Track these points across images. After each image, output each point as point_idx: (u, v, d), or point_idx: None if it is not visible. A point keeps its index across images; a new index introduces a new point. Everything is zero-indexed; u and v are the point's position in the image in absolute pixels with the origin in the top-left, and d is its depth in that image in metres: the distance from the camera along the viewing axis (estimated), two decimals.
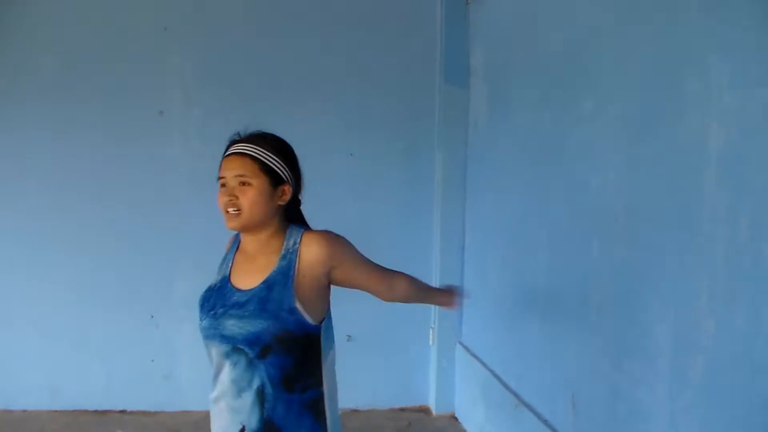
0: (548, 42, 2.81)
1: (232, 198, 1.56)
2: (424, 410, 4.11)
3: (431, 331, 4.13)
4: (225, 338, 1.55)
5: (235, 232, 1.72)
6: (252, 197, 1.55)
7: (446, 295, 2.03)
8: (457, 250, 4.03)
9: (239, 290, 1.59)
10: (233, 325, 1.53)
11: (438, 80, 4.00)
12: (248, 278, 1.59)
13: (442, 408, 4.04)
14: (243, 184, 1.56)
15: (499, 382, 3.31)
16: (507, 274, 3.38)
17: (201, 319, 1.62)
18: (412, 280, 1.81)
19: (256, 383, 1.53)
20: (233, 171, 1.56)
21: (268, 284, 1.55)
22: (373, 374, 4.07)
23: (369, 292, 1.73)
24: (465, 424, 3.85)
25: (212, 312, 1.59)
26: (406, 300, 1.82)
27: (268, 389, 1.53)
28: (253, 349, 1.52)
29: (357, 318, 3.85)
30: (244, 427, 1.54)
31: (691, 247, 1.74)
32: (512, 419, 3.08)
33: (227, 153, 1.61)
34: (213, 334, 1.57)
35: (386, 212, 4.08)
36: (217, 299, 1.60)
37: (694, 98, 1.73)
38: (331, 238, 1.62)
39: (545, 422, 2.72)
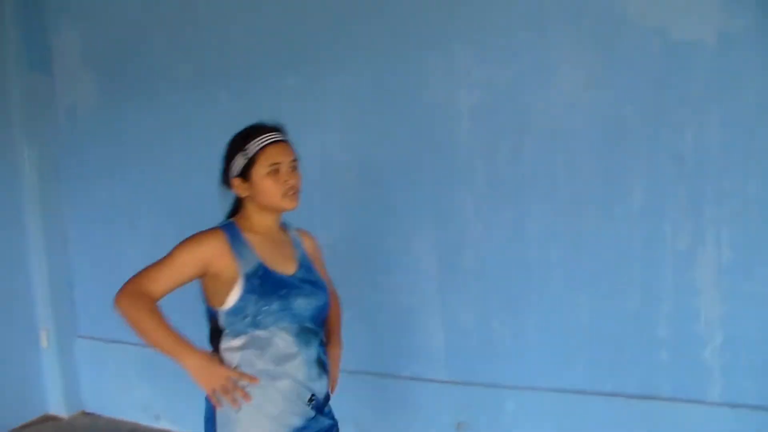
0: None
1: (294, 180, 1.68)
2: (51, 418, 3.85)
3: (43, 333, 3.88)
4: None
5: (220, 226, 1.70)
6: (300, 179, 1.71)
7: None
8: (61, 243, 3.90)
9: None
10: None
11: (14, 67, 3.73)
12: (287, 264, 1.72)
13: (73, 408, 3.86)
14: (294, 168, 1.70)
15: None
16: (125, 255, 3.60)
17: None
18: None
19: None
20: (289, 156, 1.68)
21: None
22: None
23: None
24: (114, 414, 3.82)
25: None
26: None
27: None
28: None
29: None
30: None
31: (451, 176, 2.59)
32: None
33: (273, 140, 1.67)
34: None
35: None
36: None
37: (440, 73, 2.56)
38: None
39: None
